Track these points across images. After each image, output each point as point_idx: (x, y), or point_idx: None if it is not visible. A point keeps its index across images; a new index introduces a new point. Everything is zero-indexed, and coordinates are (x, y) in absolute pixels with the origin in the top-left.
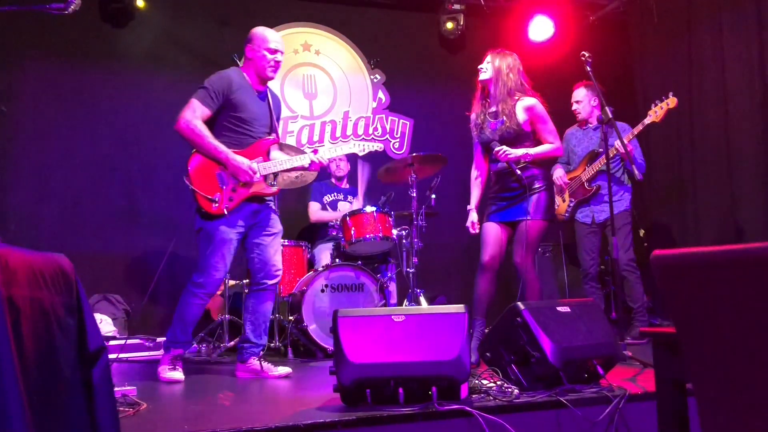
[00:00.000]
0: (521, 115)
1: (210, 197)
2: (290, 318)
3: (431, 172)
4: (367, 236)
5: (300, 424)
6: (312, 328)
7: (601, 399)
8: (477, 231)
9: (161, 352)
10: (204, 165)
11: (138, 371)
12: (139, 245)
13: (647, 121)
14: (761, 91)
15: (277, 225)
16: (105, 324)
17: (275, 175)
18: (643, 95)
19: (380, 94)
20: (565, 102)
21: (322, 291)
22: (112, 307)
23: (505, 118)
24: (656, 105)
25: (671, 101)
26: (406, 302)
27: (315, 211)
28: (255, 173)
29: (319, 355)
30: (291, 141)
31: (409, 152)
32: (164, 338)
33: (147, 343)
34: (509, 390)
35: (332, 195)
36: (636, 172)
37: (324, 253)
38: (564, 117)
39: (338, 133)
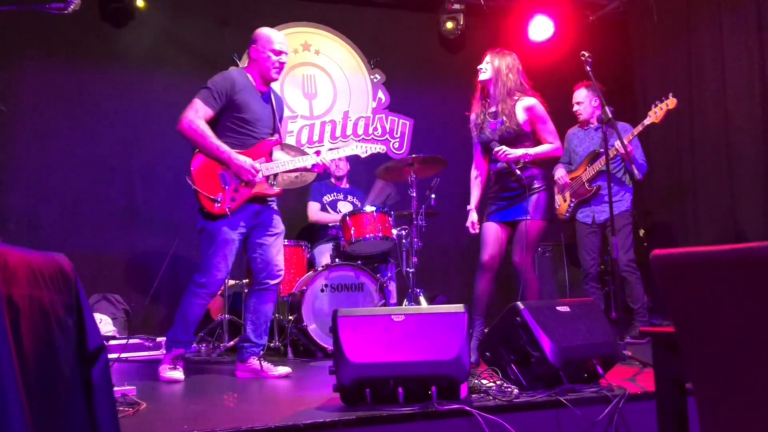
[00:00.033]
0: (521, 115)
1: (212, 197)
2: (290, 318)
3: (431, 173)
4: (367, 236)
5: (300, 424)
6: (312, 327)
7: (600, 399)
8: (477, 231)
9: (161, 351)
10: (206, 165)
11: (138, 371)
12: (138, 245)
13: (647, 121)
14: (761, 91)
15: (279, 225)
16: (104, 324)
17: (275, 175)
18: (643, 95)
19: (380, 94)
20: (565, 102)
21: (322, 291)
22: (112, 306)
23: (504, 118)
24: (656, 106)
25: (670, 102)
26: (405, 302)
27: (314, 211)
28: (257, 172)
29: (318, 355)
30: (291, 141)
31: (409, 152)
32: (164, 338)
33: (147, 343)
34: (509, 390)
35: (332, 195)
36: (636, 172)
37: (324, 253)
38: (564, 117)
39: (338, 133)
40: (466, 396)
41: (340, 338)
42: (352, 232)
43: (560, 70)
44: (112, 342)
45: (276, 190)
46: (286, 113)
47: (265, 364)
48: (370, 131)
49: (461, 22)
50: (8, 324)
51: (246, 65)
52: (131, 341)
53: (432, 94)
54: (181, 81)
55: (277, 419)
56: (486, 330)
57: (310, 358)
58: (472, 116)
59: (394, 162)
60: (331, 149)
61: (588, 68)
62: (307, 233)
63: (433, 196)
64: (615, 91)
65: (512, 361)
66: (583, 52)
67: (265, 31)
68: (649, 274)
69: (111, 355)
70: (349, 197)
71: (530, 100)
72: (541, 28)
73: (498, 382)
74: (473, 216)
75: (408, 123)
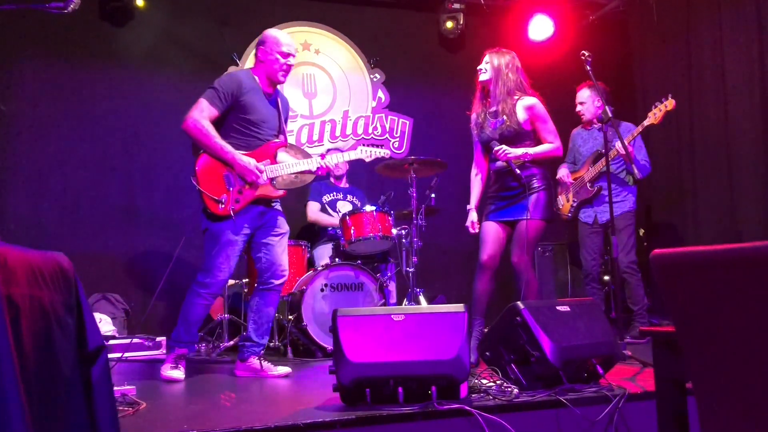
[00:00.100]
0: (521, 114)
1: (216, 198)
2: (290, 317)
3: (431, 173)
4: (367, 235)
5: (299, 424)
6: (311, 327)
7: (600, 398)
8: (476, 231)
9: (161, 351)
10: (211, 166)
11: (137, 371)
12: (138, 245)
13: (646, 122)
14: (761, 91)
15: (284, 226)
16: (104, 323)
17: None
18: (643, 95)
19: (380, 94)
20: (565, 102)
21: (322, 290)
22: (112, 306)
23: (505, 118)
24: (655, 107)
25: (669, 103)
26: (405, 301)
27: (314, 211)
28: (262, 173)
29: (318, 355)
30: (290, 140)
31: (409, 151)
32: (164, 338)
33: (147, 343)
34: (509, 389)
35: (331, 195)
36: (636, 171)
37: (324, 253)
38: (563, 116)
39: (338, 133)
40: (466, 396)
41: (340, 338)
42: (351, 231)
43: (560, 70)
44: (112, 342)
45: (280, 192)
46: None
47: (265, 364)
48: (370, 131)
49: (461, 22)
50: (8, 323)
51: (245, 65)
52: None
53: (432, 94)
54: (180, 81)
55: (276, 419)
56: (485, 330)
57: (309, 357)
58: (473, 116)
59: (394, 160)
60: (330, 149)
61: (588, 68)
62: (307, 233)
63: (433, 195)
64: (615, 91)
65: (512, 360)
66: (583, 51)
67: (273, 33)
68: (649, 275)
69: (113, 355)
70: (349, 197)
71: (531, 100)
72: (540, 28)
73: (498, 382)
74: (473, 215)
75: (408, 122)
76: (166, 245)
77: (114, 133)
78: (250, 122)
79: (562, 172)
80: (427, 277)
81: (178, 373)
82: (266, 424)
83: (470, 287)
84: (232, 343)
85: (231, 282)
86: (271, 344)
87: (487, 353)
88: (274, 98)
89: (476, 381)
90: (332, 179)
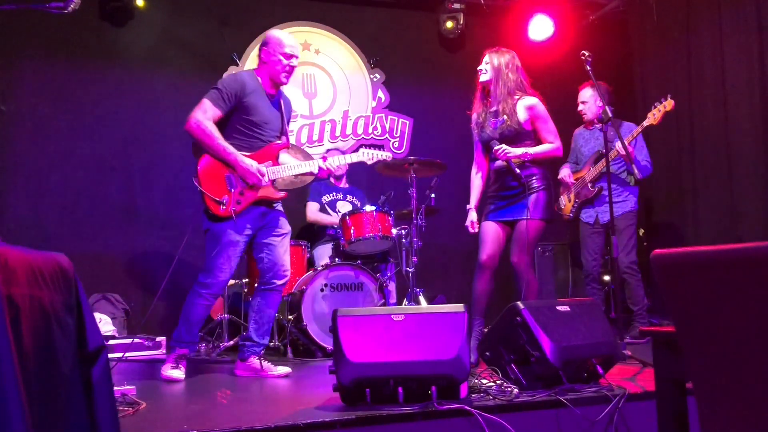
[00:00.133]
0: (522, 114)
1: (218, 199)
2: (290, 317)
3: (431, 173)
4: (367, 235)
5: (299, 424)
6: (311, 327)
7: (600, 398)
8: (476, 230)
9: (160, 351)
10: (213, 166)
11: (137, 371)
12: (138, 245)
13: (645, 123)
14: (761, 91)
15: (286, 226)
16: (104, 323)
17: None
18: (643, 95)
19: (380, 93)
20: (564, 101)
21: (322, 290)
22: (111, 306)
23: (505, 117)
24: (654, 107)
25: (668, 104)
26: (405, 301)
27: (313, 211)
28: (263, 176)
29: (318, 355)
30: (290, 140)
31: (409, 151)
32: (164, 337)
33: (147, 343)
34: (509, 389)
35: (331, 195)
36: (636, 171)
37: (323, 253)
38: (563, 116)
39: (338, 132)
40: (466, 396)
41: (340, 338)
42: (351, 231)
43: (560, 70)
44: (112, 341)
45: (281, 194)
46: None
47: (265, 364)
48: (370, 130)
49: (461, 22)
50: (8, 323)
51: (245, 65)
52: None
53: (432, 94)
54: (180, 81)
55: (276, 419)
56: (485, 330)
57: (309, 357)
58: (474, 116)
59: (394, 160)
60: (329, 149)
61: (588, 68)
62: (306, 233)
63: (432, 195)
64: (615, 91)
65: (512, 360)
66: (583, 51)
67: (276, 34)
68: (649, 275)
69: (114, 355)
70: (349, 197)
71: (531, 100)
72: (540, 28)
73: (498, 382)
74: (472, 215)
75: (408, 122)
76: (165, 245)
77: (114, 133)
78: (253, 123)
79: (564, 172)
80: (427, 277)
81: (179, 373)
82: (266, 424)
83: (470, 287)
84: (232, 342)
85: (231, 282)
86: (271, 344)
87: (487, 353)
88: (276, 99)
89: (476, 381)
90: (332, 179)
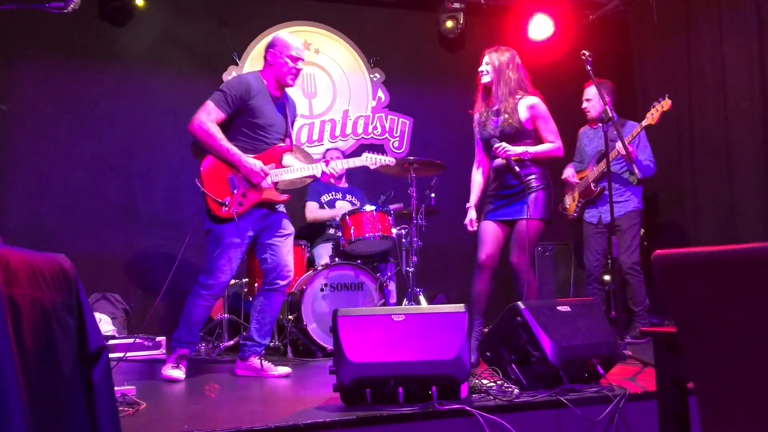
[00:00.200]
0: (523, 113)
1: (220, 201)
2: (290, 317)
3: (431, 173)
4: (367, 235)
5: (300, 424)
6: (311, 327)
7: (601, 398)
8: (474, 228)
9: (161, 351)
10: (216, 168)
11: (137, 371)
12: (138, 245)
13: (644, 123)
14: (761, 91)
15: (289, 227)
16: (104, 323)
17: None
18: (643, 95)
19: (380, 93)
20: (564, 101)
21: (322, 290)
22: (111, 306)
23: (507, 115)
24: (653, 107)
25: (665, 103)
26: (405, 301)
27: (312, 210)
28: (267, 175)
29: (318, 355)
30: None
31: (409, 151)
32: (164, 338)
33: (147, 343)
34: (509, 389)
35: (330, 194)
36: (637, 172)
37: (323, 252)
38: (563, 116)
39: (338, 132)
40: (466, 396)
41: (340, 338)
42: (351, 231)
43: (560, 70)
44: (112, 341)
45: (284, 196)
46: None
47: (265, 364)
48: (370, 130)
49: (461, 21)
50: (10, 324)
51: (245, 65)
52: (130, 341)
53: (431, 93)
54: (180, 81)
55: (277, 419)
56: (486, 330)
57: (309, 357)
58: (476, 115)
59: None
60: (329, 149)
61: (588, 67)
62: (306, 232)
63: (432, 195)
64: (615, 91)
65: (513, 360)
66: (583, 51)
67: (283, 37)
68: (649, 275)
69: (116, 355)
70: (348, 196)
71: (533, 99)
72: (541, 27)
73: (498, 382)
74: (471, 213)
75: (407, 122)
76: (165, 245)
77: (114, 133)
78: (258, 126)
79: (568, 172)
80: (427, 277)
81: (179, 373)
82: (267, 424)
83: (470, 287)
84: (232, 342)
85: (231, 282)
86: (271, 344)
87: (488, 353)
88: (281, 102)
89: (477, 381)
90: (332, 179)
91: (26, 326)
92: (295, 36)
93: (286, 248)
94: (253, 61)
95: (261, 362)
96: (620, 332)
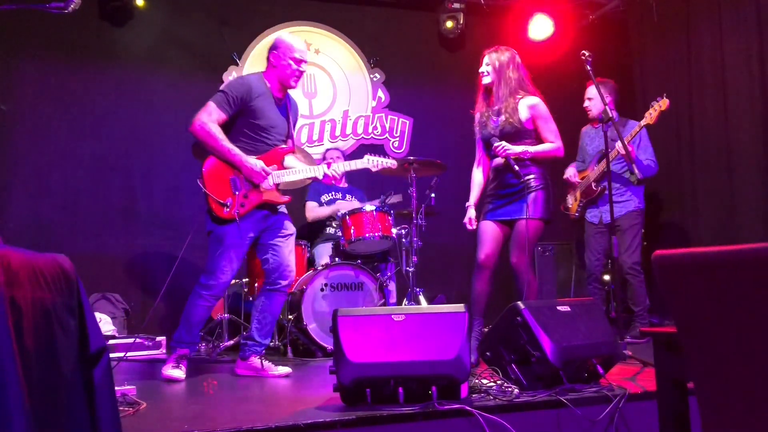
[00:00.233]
0: (524, 113)
1: (222, 201)
2: (290, 317)
3: (431, 173)
4: (367, 235)
5: (300, 424)
6: (311, 327)
7: (601, 398)
8: (473, 227)
9: (161, 351)
10: (218, 168)
11: (137, 371)
12: (138, 245)
13: (642, 123)
14: (761, 91)
15: (290, 227)
16: (104, 323)
17: None
18: (643, 95)
19: (380, 93)
20: (564, 102)
21: (322, 290)
22: (111, 306)
23: (507, 115)
24: (651, 107)
25: (663, 103)
26: (405, 301)
27: (312, 209)
28: (269, 175)
29: (318, 355)
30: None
31: (409, 151)
32: (164, 337)
33: (147, 343)
34: (509, 389)
35: (330, 194)
36: (637, 171)
37: (323, 252)
38: (563, 116)
39: (338, 132)
40: (466, 396)
41: (340, 338)
42: (351, 231)
43: (560, 70)
44: (112, 341)
45: (286, 198)
46: None
47: (265, 364)
48: (370, 130)
49: (461, 21)
50: (11, 325)
51: (245, 65)
52: (130, 340)
53: (431, 93)
54: (180, 81)
55: (277, 419)
56: (485, 330)
57: (309, 357)
58: (477, 115)
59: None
60: (329, 149)
61: (588, 67)
62: (306, 232)
63: (433, 195)
64: (617, 90)
65: (512, 360)
66: (583, 51)
67: (287, 39)
68: (649, 275)
69: (116, 355)
70: (348, 196)
71: (533, 99)
72: (540, 27)
73: (498, 382)
74: (471, 212)
75: (408, 122)
76: (165, 245)
77: (114, 133)
78: (260, 127)
79: (570, 172)
80: (427, 277)
81: (179, 373)
82: (267, 424)
83: (470, 287)
84: (232, 342)
85: (231, 282)
86: (271, 344)
87: (488, 353)
88: (284, 103)
89: (477, 381)
90: None
91: (27, 326)
92: (297, 37)
93: (288, 248)
94: (253, 61)
95: (261, 362)
96: (620, 332)
